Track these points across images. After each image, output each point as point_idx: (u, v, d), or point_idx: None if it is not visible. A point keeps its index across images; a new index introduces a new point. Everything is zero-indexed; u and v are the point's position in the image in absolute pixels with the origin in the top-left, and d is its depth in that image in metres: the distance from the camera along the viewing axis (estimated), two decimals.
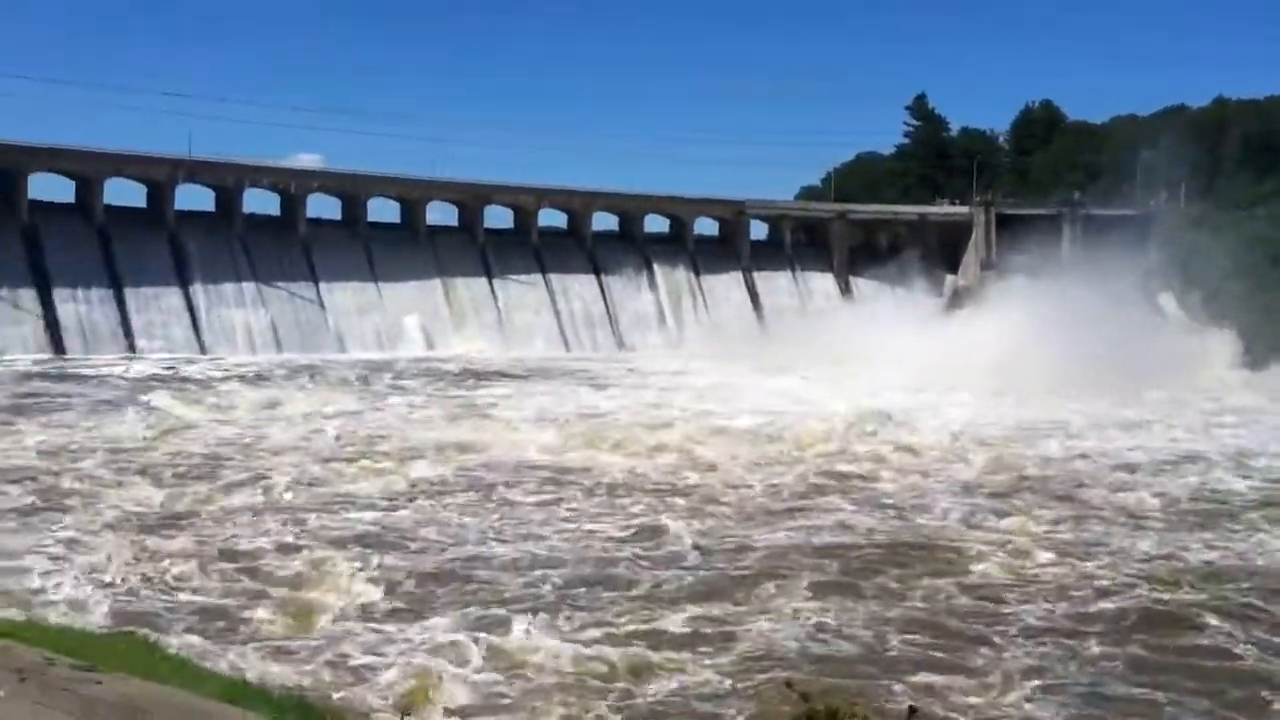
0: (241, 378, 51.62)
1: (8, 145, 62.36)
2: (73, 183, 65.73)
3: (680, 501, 27.01)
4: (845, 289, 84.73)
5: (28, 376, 49.73)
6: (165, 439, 33.73)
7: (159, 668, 8.90)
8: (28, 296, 59.81)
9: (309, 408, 41.24)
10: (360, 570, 20.16)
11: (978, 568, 21.69)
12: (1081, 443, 37.48)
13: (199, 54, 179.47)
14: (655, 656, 16.41)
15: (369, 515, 24.78)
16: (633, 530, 24.07)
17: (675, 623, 18.05)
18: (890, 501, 27.68)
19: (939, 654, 17.01)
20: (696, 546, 22.80)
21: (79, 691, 4.57)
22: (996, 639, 17.72)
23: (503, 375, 57.19)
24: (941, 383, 50.02)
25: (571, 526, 24.32)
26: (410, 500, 26.44)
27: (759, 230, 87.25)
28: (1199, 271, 72.97)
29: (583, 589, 19.68)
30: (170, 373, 53.44)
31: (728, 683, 15.66)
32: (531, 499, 26.98)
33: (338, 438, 35.09)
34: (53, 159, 64.61)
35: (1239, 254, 70.37)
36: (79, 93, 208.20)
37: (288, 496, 26.43)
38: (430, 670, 15.36)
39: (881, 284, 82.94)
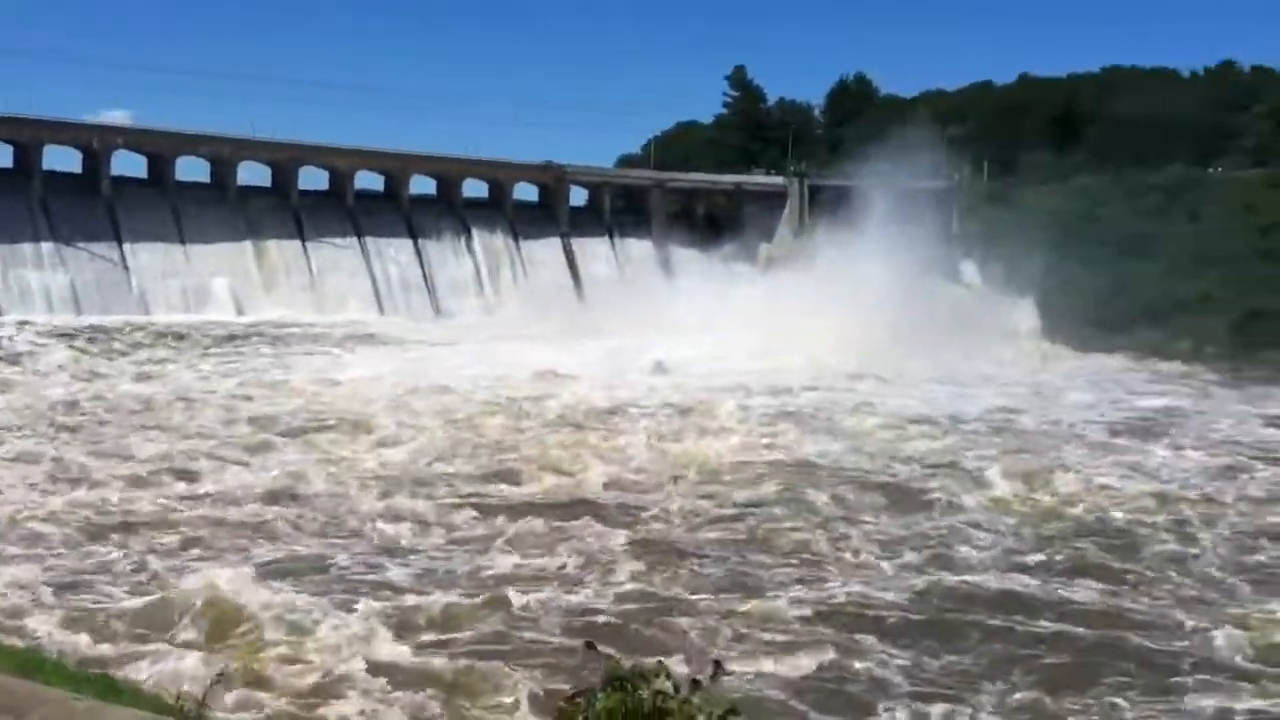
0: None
1: None
2: None
3: None
4: (663, 257, 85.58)
5: None
6: None
7: None
8: None
9: None
10: None
11: None
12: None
13: None
14: None
15: None
16: None
17: None
18: None
19: None
20: None
21: None
22: None
23: None
24: (749, 346, 51.77)
25: None
26: None
27: (579, 197, 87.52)
28: (1001, 244, 75.10)
29: None
30: None
31: None
32: None
33: None
34: None
35: (1037, 228, 72.75)
36: None
37: None
38: None
39: (699, 252, 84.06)
